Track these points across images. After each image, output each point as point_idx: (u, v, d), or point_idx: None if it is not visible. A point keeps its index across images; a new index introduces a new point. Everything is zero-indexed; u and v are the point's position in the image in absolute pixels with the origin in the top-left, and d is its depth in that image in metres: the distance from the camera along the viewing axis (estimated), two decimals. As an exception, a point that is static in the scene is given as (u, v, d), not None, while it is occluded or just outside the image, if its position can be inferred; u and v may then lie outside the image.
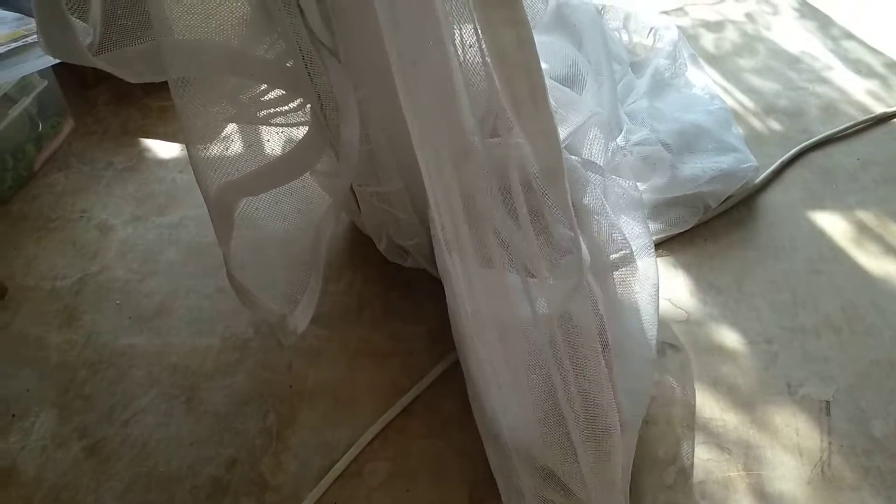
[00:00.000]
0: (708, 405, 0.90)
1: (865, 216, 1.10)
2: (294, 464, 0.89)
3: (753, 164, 1.12)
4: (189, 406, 0.96)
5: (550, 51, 1.32)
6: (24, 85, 1.28)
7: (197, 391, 0.98)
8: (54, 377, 1.01)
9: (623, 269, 0.90)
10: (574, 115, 0.96)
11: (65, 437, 0.94)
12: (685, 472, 0.84)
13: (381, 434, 0.91)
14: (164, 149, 1.36)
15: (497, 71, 0.57)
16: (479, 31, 0.57)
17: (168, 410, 0.96)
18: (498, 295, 0.71)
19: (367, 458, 0.89)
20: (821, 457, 0.84)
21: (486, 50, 0.57)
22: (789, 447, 0.85)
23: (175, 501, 0.87)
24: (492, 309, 0.72)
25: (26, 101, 1.28)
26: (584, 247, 0.67)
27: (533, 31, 0.82)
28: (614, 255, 0.89)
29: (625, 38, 1.44)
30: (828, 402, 0.89)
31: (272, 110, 0.93)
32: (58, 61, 1.20)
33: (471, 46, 0.62)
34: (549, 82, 0.89)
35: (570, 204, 0.65)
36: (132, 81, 0.75)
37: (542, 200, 0.65)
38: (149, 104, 1.44)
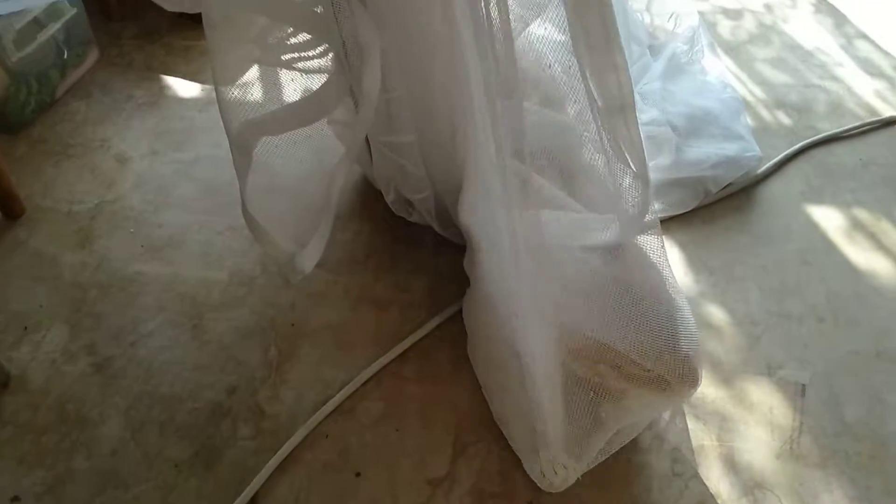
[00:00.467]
0: (689, 377, 0.94)
1: (860, 214, 1.13)
2: (291, 396, 0.94)
3: (757, 154, 1.15)
4: (194, 334, 1.00)
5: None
6: (53, 10, 1.30)
7: (203, 320, 1.02)
8: (66, 295, 1.05)
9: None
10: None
11: (73, 352, 0.99)
12: (660, 438, 0.88)
13: (375, 376, 0.95)
14: (186, 87, 1.38)
15: (573, 15, 0.60)
16: None
17: (174, 336, 1.00)
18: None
19: (360, 397, 0.93)
20: (791, 434, 0.89)
21: None
22: (762, 423, 0.90)
23: (175, 420, 0.91)
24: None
25: (55, 27, 1.30)
26: (647, 183, 0.70)
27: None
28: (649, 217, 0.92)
29: (647, 20, 1.46)
30: (804, 385, 0.93)
31: (297, 55, 0.96)
32: (88, -10, 1.22)
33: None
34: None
35: (641, 137, 0.67)
36: (168, 9, 0.78)
37: (606, 136, 0.68)
38: (173, 42, 1.46)
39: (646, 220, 0.76)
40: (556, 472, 0.80)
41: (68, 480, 0.86)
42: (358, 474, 0.86)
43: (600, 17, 0.60)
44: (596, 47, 0.62)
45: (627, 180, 0.72)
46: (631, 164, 0.68)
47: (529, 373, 0.79)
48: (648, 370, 0.77)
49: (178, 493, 0.85)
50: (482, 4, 0.67)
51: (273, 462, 0.86)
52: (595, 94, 0.65)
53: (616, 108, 0.65)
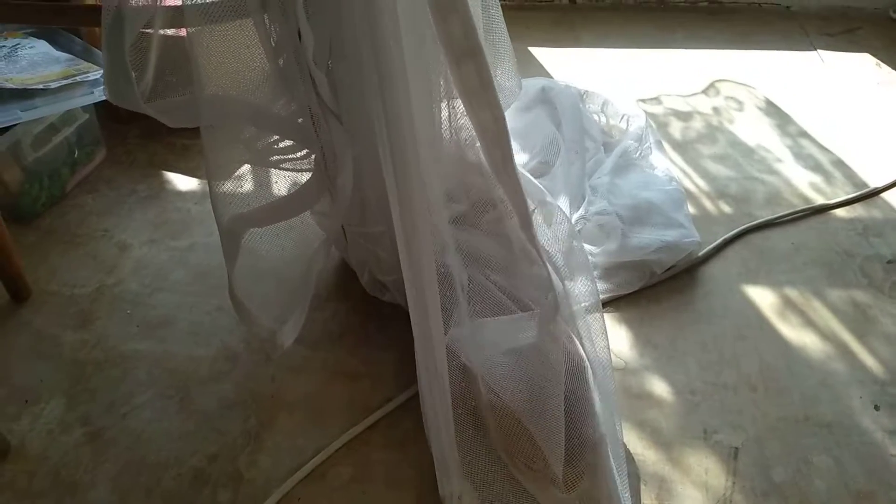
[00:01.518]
0: (632, 442, 1.03)
1: (792, 293, 1.25)
2: (267, 462, 1.02)
3: (696, 240, 1.28)
4: (181, 405, 1.09)
5: (534, 124, 1.51)
6: (68, 116, 1.46)
7: (189, 393, 1.11)
8: (65, 371, 1.15)
9: (590, 315, 1.05)
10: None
11: (69, 423, 1.07)
12: (605, 497, 0.96)
13: (346, 444, 1.04)
14: (184, 182, 1.52)
15: (480, 141, 0.73)
16: (460, 112, 0.74)
17: (163, 408, 1.09)
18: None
19: (331, 463, 1.02)
20: (724, 494, 0.97)
21: (467, 127, 0.74)
22: (698, 484, 0.98)
23: (161, 486, 0.99)
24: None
25: (68, 131, 1.45)
26: (559, 282, 0.82)
27: (511, 107, 1.00)
28: (584, 304, 1.04)
29: (602, 120, 1.62)
30: (737, 448, 1.02)
31: (282, 157, 1.10)
32: (100, 99, 1.38)
33: (453, 122, 0.79)
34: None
35: (540, 245, 0.80)
36: (171, 126, 0.91)
37: (522, 246, 0.81)
38: (173, 142, 1.62)
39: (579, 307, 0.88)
40: (455, 500, 0.87)
41: (59, 542, 0.93)
42: (326, 534, 0.94)
43: (501, 153, 0.74)
44: (499, 175, 0.74)
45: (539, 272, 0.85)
46: (540, 257, 0.81)
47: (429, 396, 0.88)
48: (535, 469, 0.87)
49: (160, 554, 0.92)
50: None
51: (249, 524, 0.94)
52: (509, 204, 0.78)
53: (524, 218, 0.78)
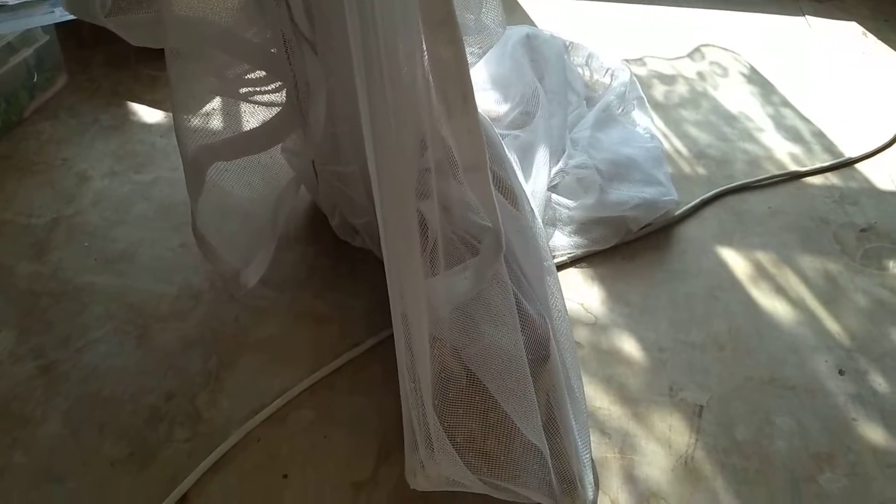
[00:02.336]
0: (598, 397, 1.02)
1: (765, 257, 1.25)
2: (227, 402, 0.99)
3: (674, 199, 1.26)
4: (140, 342, 1.06)
5: (516, 73, 1.47)
6: (26, 37, 1.38)
7: (149, 330, 1.08)
8: (19, 302, 1.10)
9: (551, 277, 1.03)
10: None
11: (20, 355, 1.03)
12: (569, 449, 0.96)
13: (310, 388, 1.02)
14: (149, 114, 1.46)
15: (435, 80, 0.69)
16: (424, 47, 0.68)
17: (120, 343, 1.06)
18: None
19: (294, 405, 1.00)
20: (686, 451, 0.97)
21: (427, 62, 0.69)
22: (661, 440, 0.98)
23: (115, 422, 0.96)
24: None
25: (27, 52, 1.38)
26: (499, 234, 0.79)
27: (489, 50, 0.96)
28: (547, 263, 1.01)
29: (586, 74, 1.59)
30: (701, 406, 1.02)
31: (252, 88, 1.05)
32: (61, 19, 1.30)
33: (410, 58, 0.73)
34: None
35: (493, 194, 0.77)
36: (134, 44, 0.86)
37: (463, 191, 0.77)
38: (140, 71, 1.55)
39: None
40: (417, 469, 0.83)
41: (6, 474, 0.90)
42: (285, 476, 0.92)
43: (461, 90, 0.68)
44: (455, 114, 0.70)
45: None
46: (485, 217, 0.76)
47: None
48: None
49: (112, 490, 0.89)
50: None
51: (205, 463, 0.92)
52: (455, 155, 0.73)
53: (473, 164, 0.73)
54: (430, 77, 0.69)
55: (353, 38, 0.74)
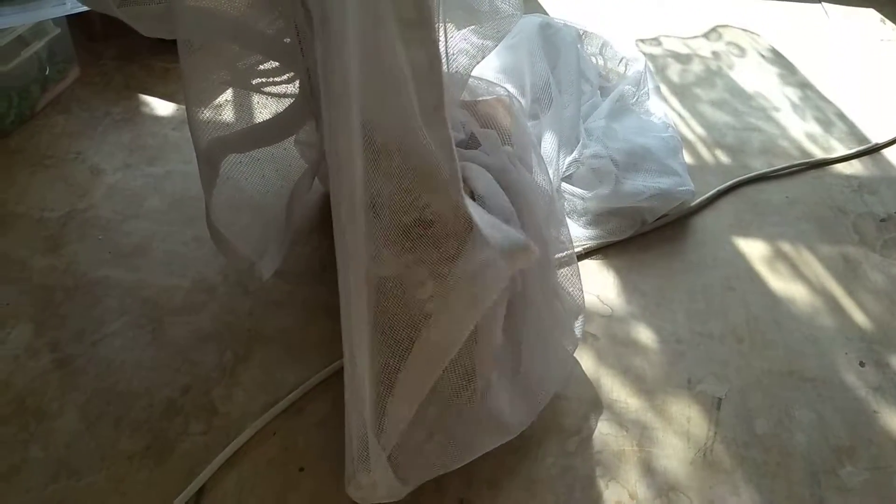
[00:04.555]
0: (616, 389, 1.01)
1: (782, 246, 1.23)
2: (243, 396, 0.99)
3: (690, 189, 1.24)
4: (154, 336, 1.06)
5: (528, 63, 1.45)
6: (38, 30, 1.37)
7: (163, 324, 1.07)
8: (33, 296, 1.10)
9: (566, 268, 1.02)
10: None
11: (37, 349, 1.03)
12: (585, 443, 0.95)
13: (325, 380, 1.01)
14: (162, 106, 1.45)
15: (411, 84, 0.62)
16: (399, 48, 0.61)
17: (134, 337, 1.05)
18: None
19: (310, 398, 0.99)
20: (705, 443, 0.96)
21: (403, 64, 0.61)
22: (679, 432, 0.97)
23: (131, 415, 0.96)
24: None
25: (38, 45, 1.37)
26: (481, 240, 0.75)
27: (501, 41, 0.94)
28: (559, 255, 1.00)
29: (600, 63, 1.57)
30: (720, 398, 1.01)
31: (265, 80, 1.04)
32: (73, 11, 1.30)
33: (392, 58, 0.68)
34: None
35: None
36: (146, 35, 0.85)
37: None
38: (152, 64, 1.54)
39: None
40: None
41: (24, 469, 0.90)
42: (301, 469, 0.92)
43: (434, 98, 0.61)
44: (430, 123, 0.63)
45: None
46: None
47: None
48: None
49: (129, 483, 0.89)
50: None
51: (221, 456, 0.91)
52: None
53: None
54: (403, 81, 0.62)
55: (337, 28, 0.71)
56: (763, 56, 1.69)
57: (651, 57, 1.60)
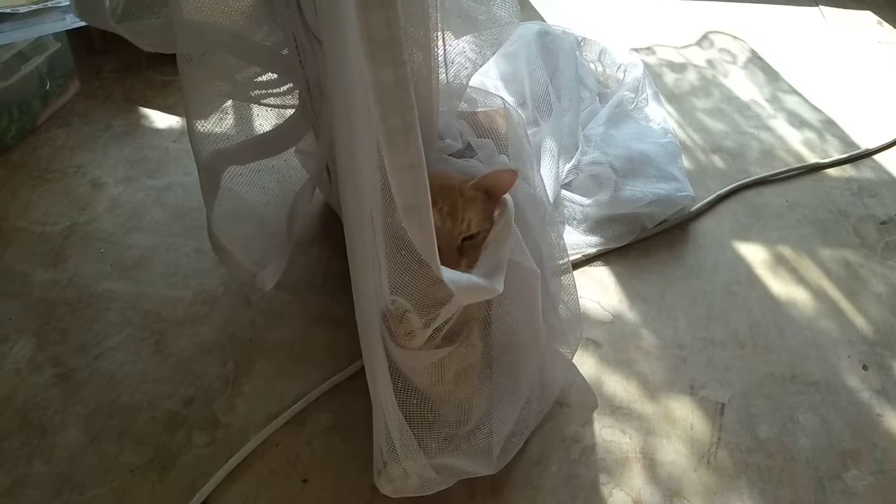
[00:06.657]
0: (618, 395, 1.01)
1: (783, 250, 1.23)
2: (245, 408, 0.99)
3: (690, 195, 1.24)
4: (156, 348, 1.06)
5: (527, 70, 1.45)
6: (38, 45, 1.38)
7: (165, 336, 1.07)
8: (35, 310, 1.10)
9: (564, 276, 1.02)
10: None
11: (39, 363, 1.04)
12: (588, 450, 0.95)
13: (328, 392, 1.01)
14: (162, 119, 1.46)
15: (376, 106, 0.60)
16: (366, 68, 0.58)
17: (137, 350, 1.05)
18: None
19: (312, 409, 0.99)
20: (709, 449, 0.96)
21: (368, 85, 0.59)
22: (683, 438, 0.97)
23: (134, 429, 0.96)
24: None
25: (38, 60, 1.38)
26: (447, 277, 0.71)
27: (500, 48, 0.94)
28: (561, 262, 1.00)
29: (599, 69, 1.57)
30: (723, 404, 1.01)
31: (264, 91, 1.04)
32: (72, 26, 1.31)
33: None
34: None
35: (433, 237, 0.67)
36: (145, 49, 0.86)
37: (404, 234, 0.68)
38: (152, 77, 1.55)
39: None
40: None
41: (27, 483, 0.90)
42: (305, 481, 0.91)
43: (402, 120, 0.59)
44: (395, 147, 0.61)
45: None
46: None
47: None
48: None
49: (133, 497, 0.89)
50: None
51: (224, 469, 0.91)
52: (393, 192, 0.64)
53: (412, 206, 0.64)
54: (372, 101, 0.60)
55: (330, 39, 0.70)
56: (754, 63, 1.70)
57: (645, 66, 1.61)
